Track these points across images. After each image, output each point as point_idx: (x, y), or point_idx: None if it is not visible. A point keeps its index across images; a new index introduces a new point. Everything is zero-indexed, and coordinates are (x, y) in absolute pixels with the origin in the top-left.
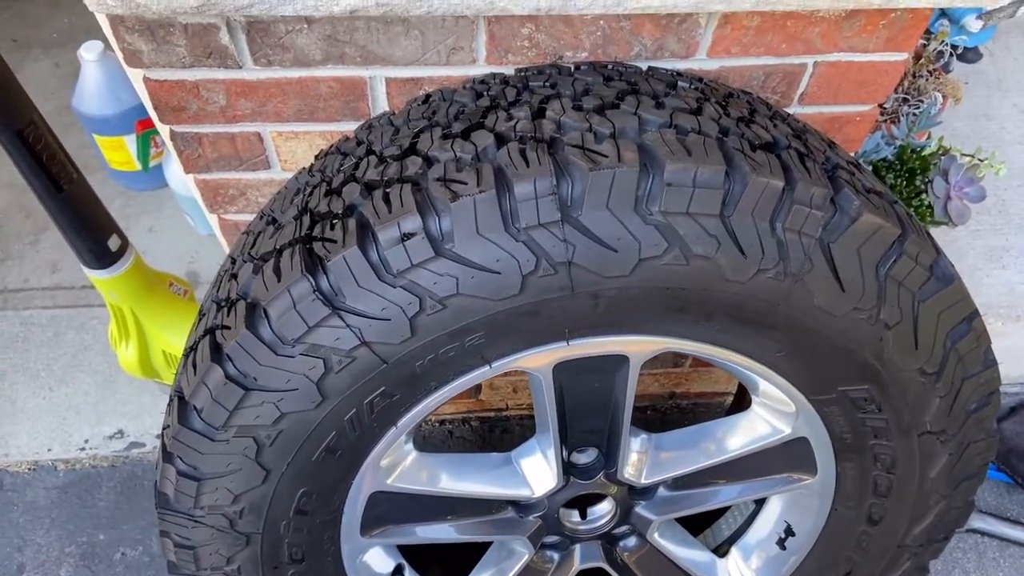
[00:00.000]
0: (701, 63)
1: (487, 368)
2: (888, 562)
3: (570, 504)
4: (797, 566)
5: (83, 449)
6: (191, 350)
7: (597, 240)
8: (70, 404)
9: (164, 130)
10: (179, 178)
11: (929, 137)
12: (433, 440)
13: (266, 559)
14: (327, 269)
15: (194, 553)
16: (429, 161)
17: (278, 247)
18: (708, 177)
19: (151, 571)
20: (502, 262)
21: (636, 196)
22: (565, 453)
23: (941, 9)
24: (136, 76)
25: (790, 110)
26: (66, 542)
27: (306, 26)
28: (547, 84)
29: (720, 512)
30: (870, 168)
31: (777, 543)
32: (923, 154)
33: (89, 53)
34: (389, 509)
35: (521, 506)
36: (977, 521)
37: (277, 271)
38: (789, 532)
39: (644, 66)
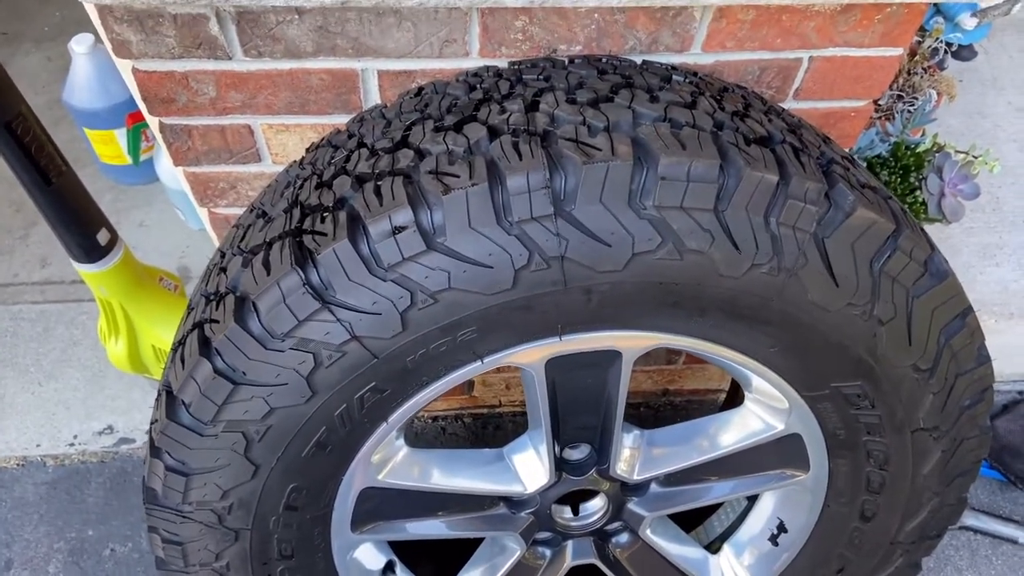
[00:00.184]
0: (696, 57)
1: (479, 363)
2: (881, 559)
3: (562, 500)
4: (789, 562)
5: (72, 445)
6: (179, 344)
7: (590, 234)
8: (59, 399)
9: (153, 122)
10: (170, 172)
11: (923, 134)
12: (426, 436)
13: (255, 555)
14: (317, 262)
15: (182, 549)
16: (421, 154)
17: (268, 240)
18: (702, 171)
19: (140, 567)
20: (494, 256)
21: (630, 190)
22: (557, 449)
23: (936, 6)
24: (125, 67)
25: (785, 105)
26: (55, 538)
27: (297, 17)
28: (541, 77)
29: (713, 508)
30: (865, 165)
31: (770, 539)
32: (917, 151)
33: (80, 46)
34: (380, 505)
35: (513, 502)
36: (970, 518)
37: (267, 264)
38: (782, 528)
39: (639, 60)
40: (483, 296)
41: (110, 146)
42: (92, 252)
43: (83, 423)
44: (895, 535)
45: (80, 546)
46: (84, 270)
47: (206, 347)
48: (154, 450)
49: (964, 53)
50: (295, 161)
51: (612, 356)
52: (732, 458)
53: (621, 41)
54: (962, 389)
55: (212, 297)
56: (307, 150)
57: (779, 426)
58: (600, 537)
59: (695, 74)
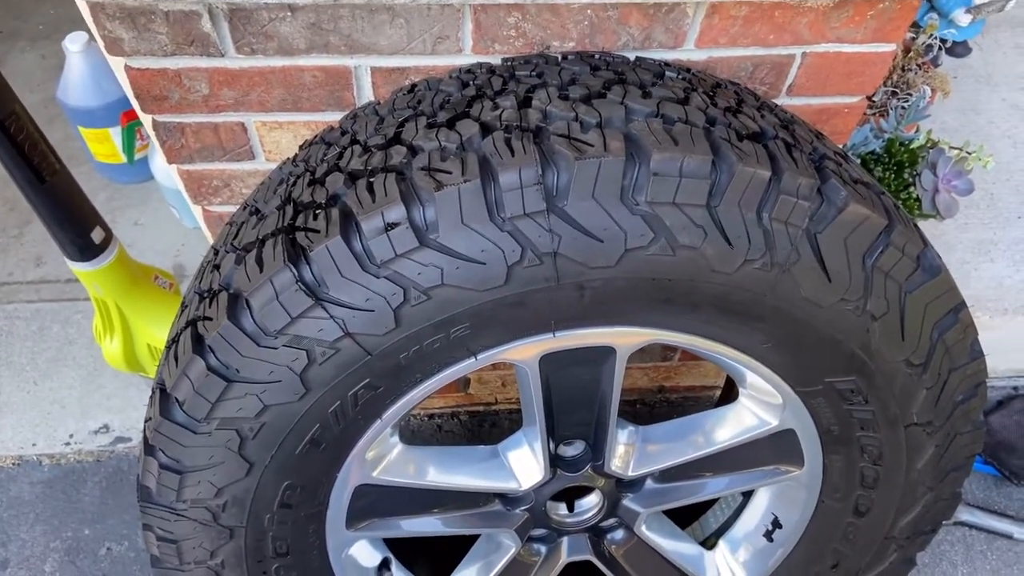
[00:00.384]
0: (689, 54)
1: (473, 360)
2: (875, 554)
3: (557, 497)
4: (784, 558)
5: (68, 444)
6: (173, 342)
7: (583, 230)
8: (55, 398)
9: (146, 120)
10: (164, 170)
11: (918, 131)
12: (422, 434)
13: (250, 553)
14: (310, 259)
15: (177, 547)
16: (414, 150)
17: (261, 237)
18: (695, 167)
19: (136, 566)
20: (487, 252)
21: (622, 186)
22: (552, 446)
23: (930, 2)
24: (117, 64)
25: (779, 101)
26: (51, 537)
27: (289, 14)
28: (534, 74)
29: (708, 505)
30: (859, 161)
31: (764, 535)
32: (911, 147)
33: (74, 44)
34: (375, 502)
35: (508, 499)
36: (964, 514)
37: (259, 261)
38: (776, 524)
39: (632, 56)
40: (476, 292)
41: (105, 144)
42: (86, 251)
43: (79, 422)
44: (889, 530)
45: (76, 545)
46: (78, 269)
47: (199, 344)
48: (148, 448)
49: (958, 49)
50: (288, 158)
51: (606, 352)
52: (727, 454)
53: (614, 37)
54: (955, 384)
55: (205, 294)
56: (300, 147)
57: (773, 422)
58: (595, 533)
59: (688, 70)
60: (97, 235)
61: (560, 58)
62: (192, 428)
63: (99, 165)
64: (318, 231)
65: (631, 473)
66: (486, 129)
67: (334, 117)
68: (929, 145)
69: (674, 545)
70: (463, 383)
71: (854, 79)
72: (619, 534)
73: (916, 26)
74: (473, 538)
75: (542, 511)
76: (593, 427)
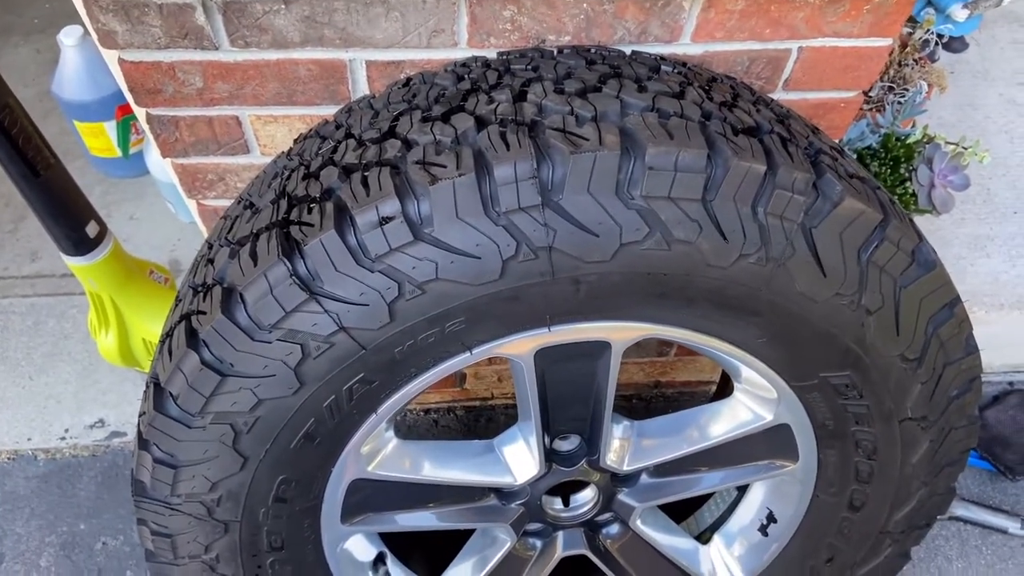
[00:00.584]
0: (685, 48)
1: (468, 355)
2: (870, 548)
3: (553, 491)
4: (779, 553)
5: (63, 438)
6: (167, 336)
7: (578, 224)
8: (50, 393)
9: (140, 113)
10: (160, 165)
11: (914, 125)
12: (418, 429)
13: (245, 547)
14: (304, 253)
15: (171, 541)
16: (408, 144)
17: (255, 231)
18: (690, 161)
19: (132, 560)
20: (482, 246)
21: (617, 180)
22: (547, 440)
23: None
24: (111, 58)
25: (775, 96)
26: (46, 532)
27: (283, 7)
28: (529, 67)
29: (703, 499)
30: (855, 156)
31: (759, 530)
32: (908, 142)
33: (68, 38)
34: (370, 497)
35: (503, 493)
36: (960, 509)
37: (253, 255)
38: (771, 519)
39: (627, 50)
40: (471, 287)
41: (100, 139)
42: (81, 245)
43: (74, 417)
44: (884, 525)
45: (72, 540)
46: (73, 263)
47: (193, 339)
48: (142, 442)
49: (955, 45)
50: (283, 152)
51: (601, 347)
52: (722, 448)
53: (610, 31)
54: (950, 379)
55: (199, 289)
56: (295, 141)
57: (768, 416)
58: (591, 528)
59: (684, 64)
60: (92, 229)
61: (556, 52)
62: (186, 422)
63: (94, 159)
64: (312, 225)
65: (626, 468)
66: (481, 123)
67: (329, 111)
68: (925, 140)
69: (669, 539)
70: (459, 378)
71: (850, 74)
72: (614, 528)
73: (913, 21)
74: (468, 533)
75: (537, 506)
76: (588, 422)
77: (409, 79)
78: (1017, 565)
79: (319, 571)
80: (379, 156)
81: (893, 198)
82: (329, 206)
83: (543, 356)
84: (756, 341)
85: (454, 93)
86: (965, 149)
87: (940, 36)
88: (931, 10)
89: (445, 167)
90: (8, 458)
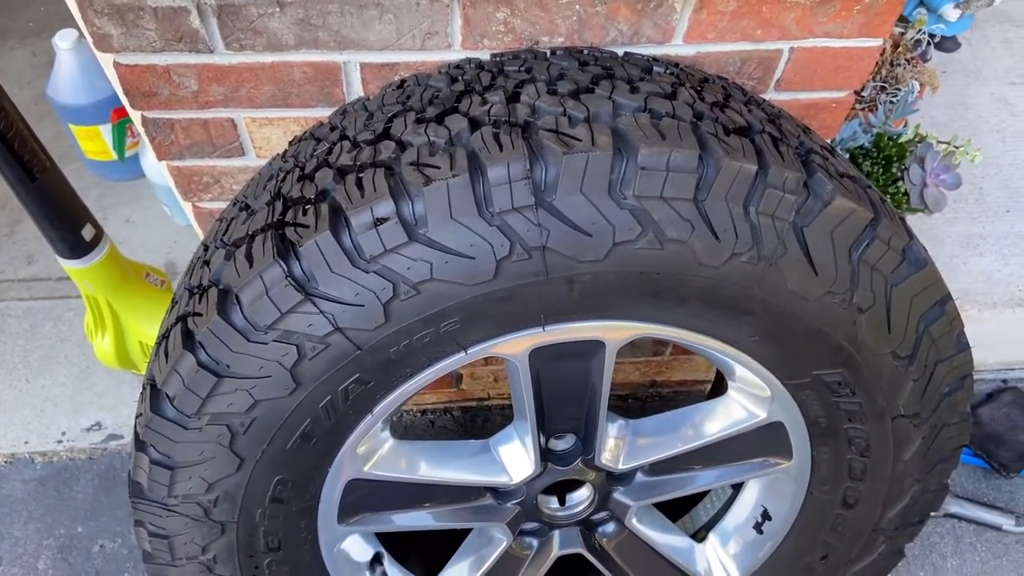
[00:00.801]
0: (677, 49)
1: (463, 354)
2: (864, 545)
3: (548, 490)
4: (774, 550)
5: (60, 441)
6: (163, 338)
7: (571, 224)
8: (47, 396)
9: (136, 116)
10: (155, 167)
11: (906, 125)
12: (415, 430)
13: (242, 548)
14: (299, 254)
15: (169, 542)
16: (402, 146)
17: (250, 233)
18: (682, 161)
19: (130, 563)
20: (476, 247)
21: (610, 180)
22: (543, 440)
23: None
24: (106, 61)
25: (767, 96)
26: (44, 535)
27: (278, 9)
28: (522, 69)
29: (698, 498)
30: (847, 156)
31: (754, 527)
32: (900, 142)
33: (64, 41)
34: (366, 497)
35: (499, 493)
36: (954, 506)
37: (249, 257)
38: (766, 516)
39: (620, 51)
40: (465, 287)
41: (95, 142)
42: (77, 248)
43: (71, 420)
44: (878, 522)
45: (69, 542)
46: (69, 266)
47: (189, 340)
48: (139, 444)
49: (947, 44)
50: (278, 154)
51: (595, 346)
52: (716, 447)
53: (603, 33)
54: (942, 376)
55: (195, 290)
56: (290, 143)
57: (762, 414)
58: (586, 527)
59: (676, 65)
60: (88, 232)
61: (549, 53)
62: (183, 424)
63: (90, 163)
64: (307, 226)
65: (621, 466)
66: (475, 124)
67: (324, 113)
68: (917, 140)
69: (665, 538)
70: (455, 378)
71: (841, 74)
72: (610, 527)
73: (905, 21)
74: (465, 532)
75: (533, 505)
76: (583, 421)
77: (403, 81)
78: (1011, 562)
79: (316, 571)
80: (373, 157)
81: (884, 197)
82: (324, 207)
83: (538, 356)
84: (749, 339)
85: (448, 95)
86: (957, 148)
87: (932, 36)
88: (923, 10)
89: (439, 168)
90: (5, 461)
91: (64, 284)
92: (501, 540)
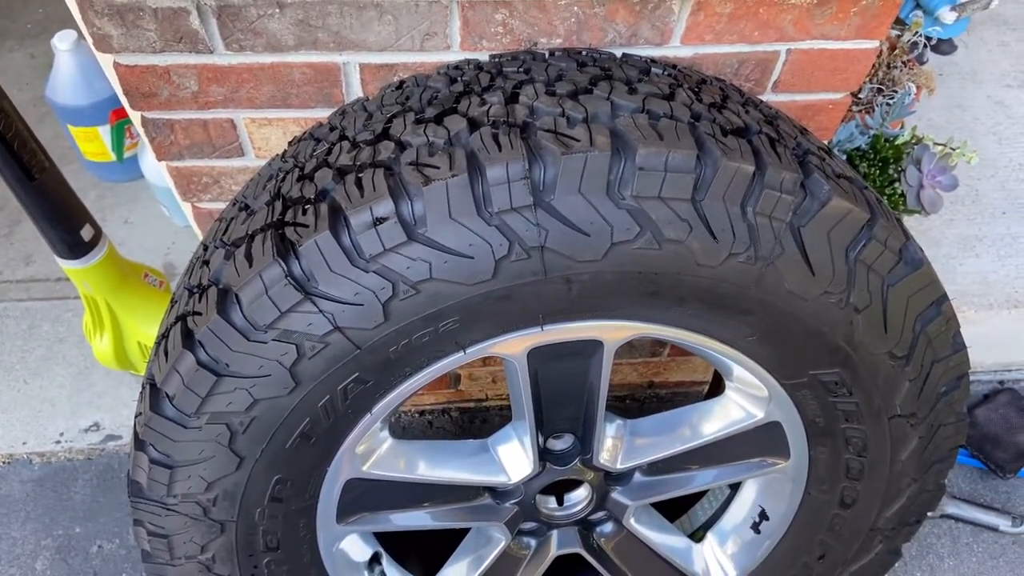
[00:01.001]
0: (675, 50)
1: (461, 354)
2: (861, 545)
3: (547, 490)
4: (771, 550)
5: (58, 442)
6: (163, 337)
7: (569, 224)
8: (45, 397)
9: (135, 116)
10: (154, 168)
11: (903, 127)
12: (413, 430)
13: (241, 547)
14: (299, 254)
15: (168, 542)
16: (402, 146)
17: (250, 233)
18: (680, 161)
19: (128, 563)
20: (475, 246)
21: (608, 180)
22: (541, 439)
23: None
24: (106, 61)
25: (764, 98)
26: (42, 535)
27: (278, 10)
28: (521, 70)
29: (696, 498)
30: (845, 157)
31: (752, 527)
32: (897, 144)
33: (63, 43)
34: (365, 496)
35: (498, 493)
36: (951, 507)
37: (249, 257)
38: (763, 516)
39: (618, 53)
40: (464, 286)
41: (94, 143)
42: (76, 248)
43: (69, 420)
44: (875, 521)
45: (67, 543)
46: (68, 266)
47: (189, 339)
48: (138, 443)
49: (944, 47)
50: (277, 154)
51: (594, 346)
52: (714, 447)
53: (601, 34)
54: (938, 376)
55: (195, 290)
56: (289, 143)
57: (759, 414)
58: (585, 527)
59: (674, 67)
60: (86, 233)
61: (547, 54)
62: (182, 423)
63: (89, 164)
64: (307, 226)
65: (619, 466)
66: (474, 124)
67: (323, 113)
68: (914, 141)
69: (663, 538)
70: (454, 379)
71: (838, 75)
72: (608, 527)
73: (902, 23)
74: (463, 532)
75: (531, 505)
76: (581, 421)
77: (402, 82)
78: (1008, 562)
79: (315, 571)
80: (373, 157)
81: (880, 197)
82: (323, 207)
83: (536, 355)
84: (746, 339)
85: (447, 95)
86: (953, 150)
87: (928, 38)
88: (919, 12)
89: (438, 168)
90: (3, 462)
91: (62, 285)
92: (499, 540)
